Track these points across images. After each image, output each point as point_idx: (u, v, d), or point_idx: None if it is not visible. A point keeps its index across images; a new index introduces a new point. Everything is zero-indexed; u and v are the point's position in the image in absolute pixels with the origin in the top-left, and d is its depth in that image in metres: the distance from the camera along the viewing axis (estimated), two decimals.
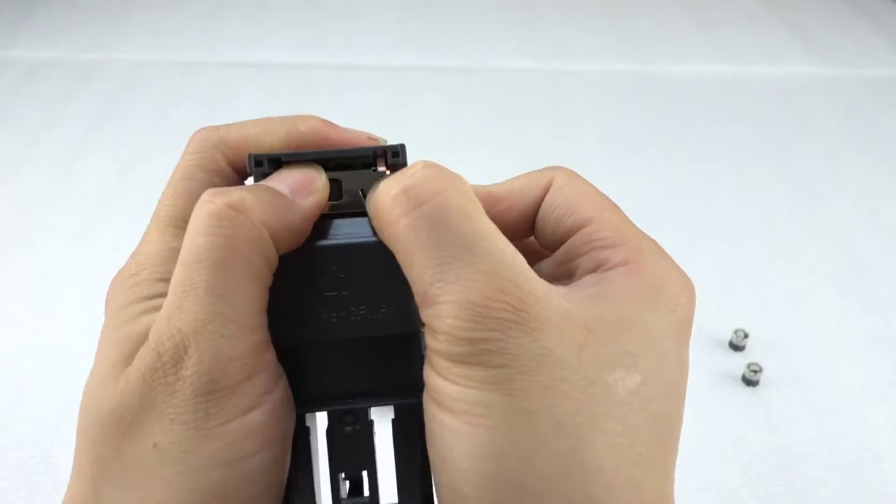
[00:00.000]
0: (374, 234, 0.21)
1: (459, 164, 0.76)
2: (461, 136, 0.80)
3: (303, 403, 0.22)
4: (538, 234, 0.24)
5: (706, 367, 0.55)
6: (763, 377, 0.55)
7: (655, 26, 1.03)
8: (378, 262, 0.21)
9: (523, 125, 0.83)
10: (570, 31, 1.02)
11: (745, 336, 0.56)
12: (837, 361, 0.57)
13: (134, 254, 0.24)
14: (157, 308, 0.21)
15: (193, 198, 0.22)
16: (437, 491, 0.20)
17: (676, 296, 0.21)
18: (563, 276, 0.21)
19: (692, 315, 0.22)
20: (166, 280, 0.21)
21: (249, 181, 0.24)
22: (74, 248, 0.64)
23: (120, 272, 0.24)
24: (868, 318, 0.60)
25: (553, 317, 0.18)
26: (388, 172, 0.23)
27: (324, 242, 0.22)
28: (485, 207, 0.21)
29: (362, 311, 0.22)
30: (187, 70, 0.90)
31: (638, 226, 0.25)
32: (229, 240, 0.19)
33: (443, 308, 0.18)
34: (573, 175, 0.24)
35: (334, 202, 0.23)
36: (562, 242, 0.23)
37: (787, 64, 0.96)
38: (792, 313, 0.61)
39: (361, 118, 0.82)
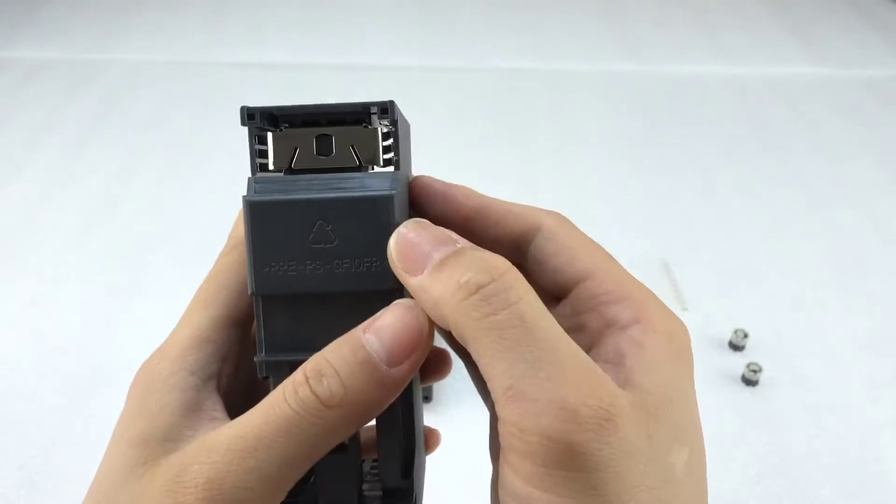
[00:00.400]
0: (367, 189, 0.22)
1: (460, 163, 0.76)
2: (461, 137, 0.80)
3: (274, 350, 0.22)
4: (532, 274, 0.24)
5: (706, 367, 0.55)
6: (763, 377, 0.55)
7: (655, 27, 1.04)
8: (366, 218, 0.21)
9: (523, 125, 0.83)
10: (570, 31, 1.02)
11: (745, 336, 0.56)
12: (837, 361, 0.57)
13: (166, 339, 0.24)
14: (173, 405, 0.22)
15: (231, 291, 0.23)
16: None
17: (685, 344, 0.22)
18: (570, 330, 0.21)
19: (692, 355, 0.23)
20: (189, 371, 0.22)
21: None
22: (74, 249, 0.64)
23: (148, 359, 0.24)
24: (868, 318, 0.60)
25: (627, 408, 0.19)
26: (380, 129, 0.24)
27: (315, 196, 0.22)
28: (483, 226, 0.23)
29: (345, 265, 0.22)
30: (188, 70, 0.90)
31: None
32: (307, 433, 0.20)
33: (538, 406, 0.18)
34: (565, 221, 0.24)
35: (325, 156, 0.24)
36: (561, 290, 0.24)
37: (787, 64, 0.96)
38: (791, 313, 0.61)
39: None
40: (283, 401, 0.20)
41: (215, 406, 0.22)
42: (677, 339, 0.22)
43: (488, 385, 0.19)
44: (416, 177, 0.25)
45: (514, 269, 0.20)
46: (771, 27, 1.04)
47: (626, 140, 0.81)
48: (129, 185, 0.72)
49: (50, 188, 0.71)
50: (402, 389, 0.21)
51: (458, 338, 0.20)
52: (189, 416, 0.22)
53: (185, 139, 0.79)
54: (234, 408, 0.23)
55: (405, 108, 0.29)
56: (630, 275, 0.23)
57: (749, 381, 0.54)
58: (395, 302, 0.21)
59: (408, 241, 0.21)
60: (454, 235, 0.22)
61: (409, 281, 0.21)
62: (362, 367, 0.20)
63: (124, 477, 0.21)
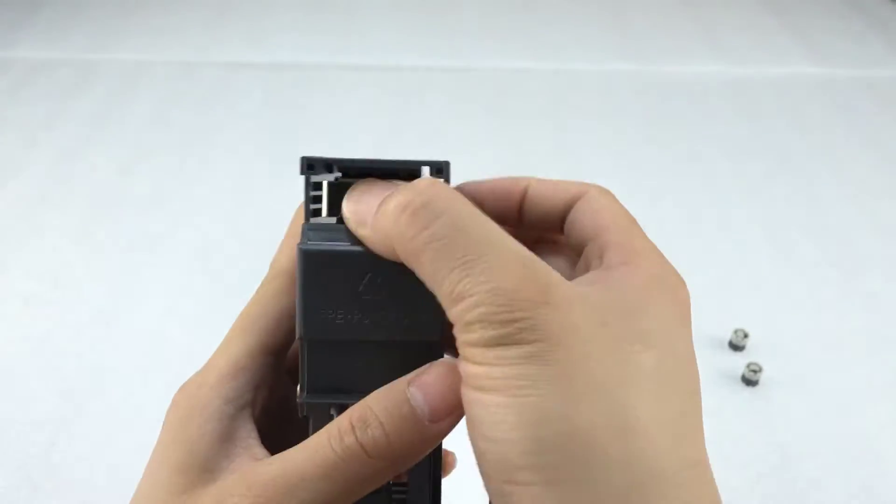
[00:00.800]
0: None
1: (460, 163, 0.76)
2: (461, 136, 0.80)
3: (315, 392, 0.23)
4: (567, 236, 0.26)
5: (706, 366, 0.55)
6: (763, 377, 0.55)
7: (656, 27, 1.04)
8: (413, 274, 0.21)
9: (524, 125, 0.83)
10: (570, 31, 1.02)
11: (745, 336, 0.56)
12: (837, 361, 0.57)
13: (205, 364, 0.25)
14: (211, 434, 0.23)
15: (269, 320, 0.24)
16: (485, 474, 0.20)
17: (676, 287, 0.23)
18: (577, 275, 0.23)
19: (690, 308, 0.23)
20: (225, 400, 0.23)
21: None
22: (74, 249, 0.64)
23: (187, 382, 0.24)
24: (868, 318, 0.60)
25: (575, 298, 0.20)
26: None
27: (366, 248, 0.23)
28: (534, 204, 0.25)
29: (392, 316, 0.23)
30: (187, 70, 0.90)
31: (639, 225, 0.26)
32: (347, 477, 0.21)
33: (474, 299, 0.19)
34: (605, 192, 0.26)
35: None
36: (581, 247, 0.25)
37: (787, 64, 0.96)
38: (792, 313, 0.61)
39: (362, 119, 0.82)
40: (328, 445, 0.21)
41: (249, 434, 0.23)
42: (665, 282, 0.22)
43: (441, 303, 0.20)
44: (458, 185, 0.26)
45: (439, 183, 0.21)
46: (771, 27, 1.04)
47: (626, 140, 0.81)
48: (129, 186, 0.72)
49: (49, 188, 0.71)
50: (440, 441, 0.22)
51: (409, 265, 0.21)
52: (225, 445, 0.23)
53: (184, 139, 0.79)
54: (266, 433, 0.24)
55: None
56: (646, 238, 0.24)
57: (749, 382, 0.54)
58: (439, 361, 0.22)
59: (355, 198, 0.23)
60: (398, 183, 0.23)
61: (361, 232, 0.22)
62: (405, 421, 0.21)
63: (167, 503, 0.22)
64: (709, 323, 0.58)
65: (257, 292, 0.25)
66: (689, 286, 0.24)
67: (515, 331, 0.19)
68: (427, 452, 0.22)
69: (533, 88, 0.89)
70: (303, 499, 0.21)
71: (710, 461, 0.21)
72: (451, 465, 0.31)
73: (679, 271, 0.25)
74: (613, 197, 0.26)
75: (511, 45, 0.98)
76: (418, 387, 0.21)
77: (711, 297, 0.61)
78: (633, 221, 0.25)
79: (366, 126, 0.81)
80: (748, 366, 0.54)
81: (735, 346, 0.56)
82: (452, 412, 0.21)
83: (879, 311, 0.61)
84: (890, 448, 0.50)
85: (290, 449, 0.21)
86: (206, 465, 0.22)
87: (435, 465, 0.25)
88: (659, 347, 0.21)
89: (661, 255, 0.24)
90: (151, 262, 0.63)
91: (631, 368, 0.20)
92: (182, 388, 0.24)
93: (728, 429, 0.51)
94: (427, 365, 0.22)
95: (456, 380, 0.21)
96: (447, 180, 0.24)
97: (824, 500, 0.47)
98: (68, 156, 0.76)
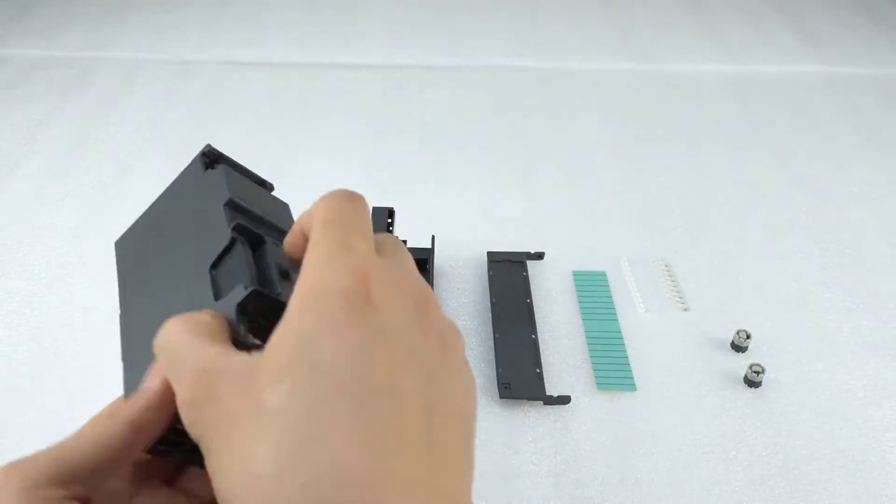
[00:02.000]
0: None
1: (460, 163, 0.75)
2: (461, 135, 0.80)
3: None
4: None
5: (708, 367, 0.55)
6: (765, 378, 0.54)
7: (658, 25, 1.03)
8: None
9: (524, 124, 0.82)
10: (571, 29, 1.01)
11: (748, 337, 0.56)
12: (840, 362, 0.56)
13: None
14: None
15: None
16: None
17: (317, 292, 0.24)
18: None
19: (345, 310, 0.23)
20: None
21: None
22: (71, 248, 0.64)
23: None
24: (871, 319, 0.60)
25: (230, 379, 0.23)
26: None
27: None
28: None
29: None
30: (185, 69, 0.90)
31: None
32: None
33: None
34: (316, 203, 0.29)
35: None
36: None
37: (791, 63, 0.96)
38: (795, 314, 0.60)
39: (360, 117, 0.82)
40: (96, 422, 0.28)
41: None
42: (310, 292, 0.22)
43: None
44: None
45: (172, 333, 0.24)
46: (775, 25, 1.04)
47: (627, 139, 0.80)
48: (126, 184, 0.71)
49: (46, 187, 0.71)
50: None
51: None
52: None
53: (181, 138, 0.78)
54: None
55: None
56: (316, 242, 0.25)
57: (751, 383, 0.54)
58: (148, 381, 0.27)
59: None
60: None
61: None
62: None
63: None
64: (710, 323, 0.58)
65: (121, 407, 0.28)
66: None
67: (194, 433, 0.22)
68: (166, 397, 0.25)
69: (533, 87, 0.89)
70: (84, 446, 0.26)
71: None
72: None
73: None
74: (318, 202, 0.28)
75: (511, 44, 0.97)
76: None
77: (713, 297, 0.60)
78: (322, 225, 0.26)
79: (365, 125, 0.81)
80: (750, 367, 0.53)
81: (737, 347, 0.56)
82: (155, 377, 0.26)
83: (883, 312, 0.61)
84: (893, 450, 0.50)
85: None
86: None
87: None
88: (293, 376, 0.21)
89: (317, 254, 0.24)
90: None
91: (258, 414, 0.20)
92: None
93: (730, 430, 0.51)
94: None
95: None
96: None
97: (827, 502, 0.47)
98: (64, 154, 0.75)
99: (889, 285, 0.63)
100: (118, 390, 0.55)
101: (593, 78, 0.91)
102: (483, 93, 0.87)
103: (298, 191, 0.74)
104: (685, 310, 0.59)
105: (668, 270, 0.62)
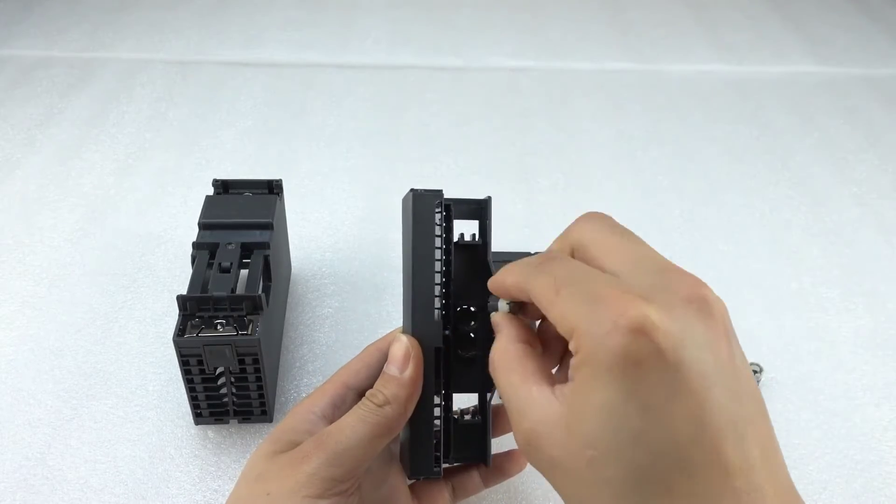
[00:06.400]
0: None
1: (460, 163, 0.75)
2: (461, 136, 0.80)
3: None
4: None
5: None
6: (764, 378, 0.54)
7: (657, 25, 1.03)
8: None
9: (524, 125, 0.82)
10: (571, 29, 1.01)
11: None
12: (839, 362, 0.56)
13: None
14: (300, 426, 0.38)
15: (354, 370, 0.40)
16: None
17: (600, 357, 0.28)
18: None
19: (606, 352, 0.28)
20: (312, 411, 0.39)
21: None
22: (71, 249, 0.64)
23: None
24: (871, 319, 0.60)
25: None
26: None
27: None
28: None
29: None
30: (185, 69, 0.90)
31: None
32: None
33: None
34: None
35: None
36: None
37: (790, 63, 0.96)
38: (793, 313, 0.60)
39: (361, 118, 0.82)
40: (358, 408, 0.36)
41: (322, 426, 0.37)
42: (589, 356, 0.27)
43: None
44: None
45: (496, 364, 0.33)
46: (773, 26, 1.04)
47: (627, 139, 0.81)
48: (127, 185, 0.72)
49: (46, 187, 0.71)
50: (419, 385, 0.36)
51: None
52: (308, 433, 0.37)
53: (182, 138, 0.78)
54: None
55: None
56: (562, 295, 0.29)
57: None
58: (396, 336, 0.37)
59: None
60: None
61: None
62: (388, 379, 0.36)
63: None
64: None
65: (357, 356, 0.40)
66: None
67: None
68: (414, 396, 0.35)
69: (533, 87, 0.89)
70: (348, 437, 0.34)
71: None
72: (524, 463, 0.42)
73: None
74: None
75: (511, 44, 0.97)
76: (388, 360, 0.36)
77: None
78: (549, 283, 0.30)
79: (365, 125, 0.81)
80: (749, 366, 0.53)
81: None
82: (408, 361, 0.35)
83: (882, 312, 0.61)
84: (893, 450, 0.50)
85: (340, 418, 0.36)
86: (292, 441, 0.36)
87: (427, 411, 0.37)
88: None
89: (583, 313, 0.28)
90: (149, 263, 0.62)
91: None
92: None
93: None
94: (391, 342, 0.37)
95: (406, 346, 0.36)
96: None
97: (827, 502, 0.47)
98: (66, 155, 0.75)
99: (888, 285, 0.63)
100: (118, 390, 0.55)
101: (593, 78, 0.91)
102: (483, 93, 0.87)
103: (298, 191, 0.75)
104: None
105: None
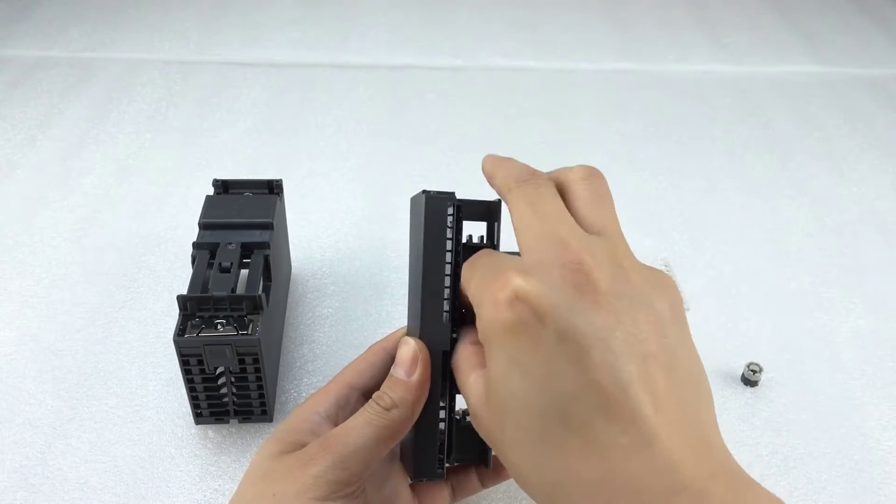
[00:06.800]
0: None
1: (460, 163, 0.75)
2: (461, 136, 0.80)
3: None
4: None
5: (707, 367, 0.55)
6: (763, 377, 0.54)
7: (656, 25, 1.03)
8: None
9: (524, 125, 0.82)
10: (570, 30, 1.01)
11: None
12: (839, 362, 0.56)
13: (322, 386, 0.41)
14: (305, 426, 0.38)
15: (359, 370, 0.40)
16: None
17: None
18: None
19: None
20: (316, 412, 0.39)
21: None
22: (72, 249, 0.64)
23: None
24: (870, 318, 0.60)
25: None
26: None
27: None
28: None
29: None
30: (185, 69, 0.90)
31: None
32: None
33: None
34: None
35: None
36: None
37: (790, 63, 0.96)
38: (793, 313, 0.60)
39: (361, 118, 0.82)
40: (365, 411, 0.36)
41: (326, 427, 0.38)
42: (484, 332, 0.30)
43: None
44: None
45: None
46: (773, 26, 1.04)
47: (626, 139, 0.81)
48: (127, 185, 0.72)
49: (46, 187, 0.71)
50: (426, 389, 0.36)
51: None
52: (313, 434, 0.37)
53: (182, 138, 0.78)
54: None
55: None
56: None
57: (749, 382, 0.54)
58: (404, 339, 0.37)
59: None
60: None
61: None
62: (395, 382, 0.36)
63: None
64: (709, 323, 0.58)
65: (361, 356, 0.41)
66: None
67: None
68: (421, 399, 0.36)
69: (532, 87, 0.89)
70: (355, 440, 0.34)
71: None
72: None
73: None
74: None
75: (511, 45, 0.97)
76: (395, 363, 0.36)
77: (711, 297, 0.60)
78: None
79: (365, 125, 0.81)
80: (748, 366, 0.54)
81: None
82: (416, 365, 0.35)
83: (882, 311, 0.61)
84: (893, 449, 0.50)
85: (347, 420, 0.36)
86: (297, 441, 0.36)
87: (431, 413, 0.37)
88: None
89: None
90: (149, 263, 0.63)
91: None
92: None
93: (728, 430, 0.51)
94: (396, 344, 0.37)
95: (414, 349, 0.36)
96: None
97: (827, 502, 0.47)
98: (66, 155, 0.75)
99: (888, 285, 0.63)
100: (118, 390, 0.55)
101: (593, 78, 0.91)
102: (483, 93, 0.87)
103: (298, 191, 0.75)
104: (685, 309, 0.59)
105: (667, 270, 0.62)
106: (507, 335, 0.28)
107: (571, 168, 0.34)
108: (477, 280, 0.31)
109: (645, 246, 0.65)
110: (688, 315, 0.58)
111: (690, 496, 0.25)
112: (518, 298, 0.28)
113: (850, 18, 1.07)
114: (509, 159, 0.36)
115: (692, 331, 0.31)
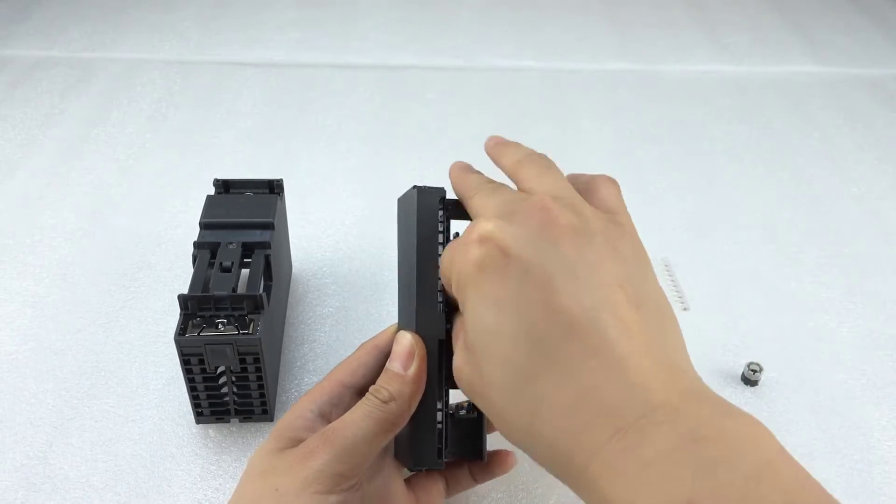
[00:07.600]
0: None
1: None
2: (461, 136, 0.80)
3: None
4: None
5: (704, 366, 0.55)
6: (763, 377, 0.54)
7: (656, 25, 1.03)
8: None
9: (524, 125, 0.82)
10: (571, 30, 1.01)
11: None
12: (839, 361, 0.56)
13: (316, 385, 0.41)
14: (300, 423, 0.39)
15: (351, 368, 0.40)
16: None
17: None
18: None
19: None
20: (310, 410, 0.39)
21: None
22: (72, 248, 0.64)
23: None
24: (870, 318, 0.60)
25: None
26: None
27: None
28: None
29: None
30: (185, 69, 0.90)
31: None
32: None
33: None
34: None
35: None
36: None
37: (790, 63, 0.96)
38: (793, 313, 0.60)
39: (360, 118, 0.82)
40: (363, 404, 0.36)
41: (321, 425, 0.38)
42: (457, 276, 0.33)
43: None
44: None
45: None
46: (773, 26, 1.04)
47: (627, 139, 0.81)
48: (127, 185, 0.72)
49: (47, 187, 0.71)
50: (422, 382, 0.36)
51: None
52: (308, 431, 0.37)
53: (182, 138, 0.78)
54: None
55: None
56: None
57: (749, 381, 0.54)
58: (400, 334, 0.37)
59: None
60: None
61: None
62: (392, 376, 0.36)
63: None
64: (709, 323, 0.58)
65: (353, 354, 0.41)
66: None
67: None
68: (417, 392, 0.36)
69: (533, 88, 0.89)
70: (354, 433, 0.35)
71: None
72: (512, 463, 0.42)
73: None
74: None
75: (511, 45, 0.97)
76: (391, 357, 0.37)
77: (712, 297, 0.60)
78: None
79: (365, 126, 0.81)
80: (748, 365, 0.54)
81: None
82: (412, 358, 0.36)
83: (881, 311, 0.61)
84: (892, 449, 0.50)
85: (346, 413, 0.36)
86: (294, 438, 0.37)
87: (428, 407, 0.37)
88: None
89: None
90: (149, 263, 0.63)
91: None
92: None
93: None
94: (390, 339, 0.39)
95: (411, 343, 0.36)
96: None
97: None
98: (66, 155, 0.75)
99: (888, 285, 0.63)
100: (119, 389, 0.55)
101: (593, 78, 0.91)
102: (483, 93, 0.87)
103: (299, 191, 0.75)
104: (684, 309, 0.59)
105: (667, 270, 0.62)
106: (476, 272, 0.30)
107: (593, 174, 0.37)
108: (450, 250, 0.34)
109: (645, 245, 0.65)
110: (688, 315, 0.59)
111: (663, 414, 0.26)
112: (484, 238, 0.30)
113: (849, 18, 1.07)
114: (515, 142, 0.40)
115: (692, 331, 0.31)
